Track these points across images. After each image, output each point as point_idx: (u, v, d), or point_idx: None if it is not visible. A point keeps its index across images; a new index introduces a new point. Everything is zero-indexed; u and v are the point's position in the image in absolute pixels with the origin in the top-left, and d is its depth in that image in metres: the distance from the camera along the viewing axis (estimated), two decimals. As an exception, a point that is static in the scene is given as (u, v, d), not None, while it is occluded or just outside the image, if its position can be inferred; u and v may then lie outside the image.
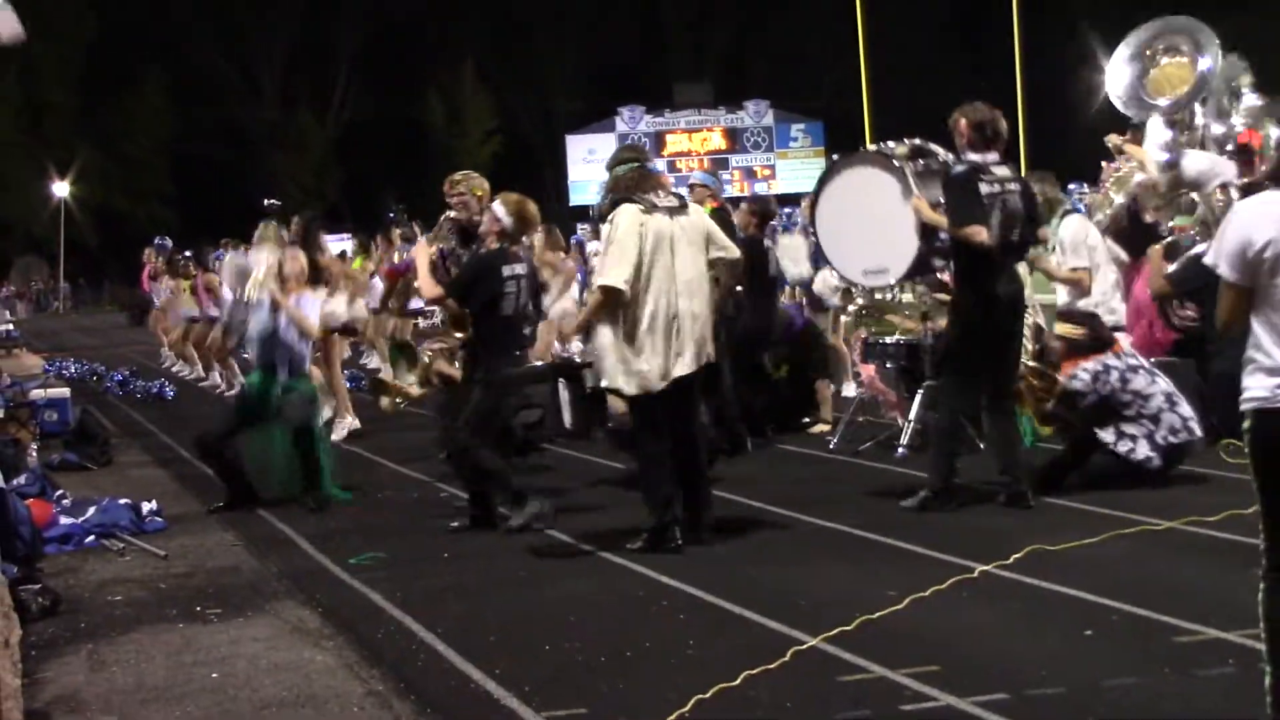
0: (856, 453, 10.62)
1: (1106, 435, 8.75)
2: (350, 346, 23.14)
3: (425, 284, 8.82)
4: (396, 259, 9.71)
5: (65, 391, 14.07)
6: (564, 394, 10.70)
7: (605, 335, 7.69)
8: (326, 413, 13.05)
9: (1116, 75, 10.93)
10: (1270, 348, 4.31)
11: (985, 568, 6.89)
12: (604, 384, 7.94)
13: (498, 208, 8.72)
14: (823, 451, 10.86)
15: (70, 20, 63.45)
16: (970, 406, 8.69)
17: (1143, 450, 8.71)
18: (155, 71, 65.44)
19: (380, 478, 10.99)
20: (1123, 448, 8.71)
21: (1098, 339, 9.11)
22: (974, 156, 8.26)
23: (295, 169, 65.62)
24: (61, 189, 62.50)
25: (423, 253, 9.11)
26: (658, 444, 7.79)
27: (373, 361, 20.75)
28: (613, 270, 7.59)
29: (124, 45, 62.82)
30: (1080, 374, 8.89)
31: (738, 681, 5.35)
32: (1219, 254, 4.44)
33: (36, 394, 13.19)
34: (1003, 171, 8.30)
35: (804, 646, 5.79)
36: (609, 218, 7.78)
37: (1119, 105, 10.73)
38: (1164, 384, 8.91)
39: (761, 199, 13.46)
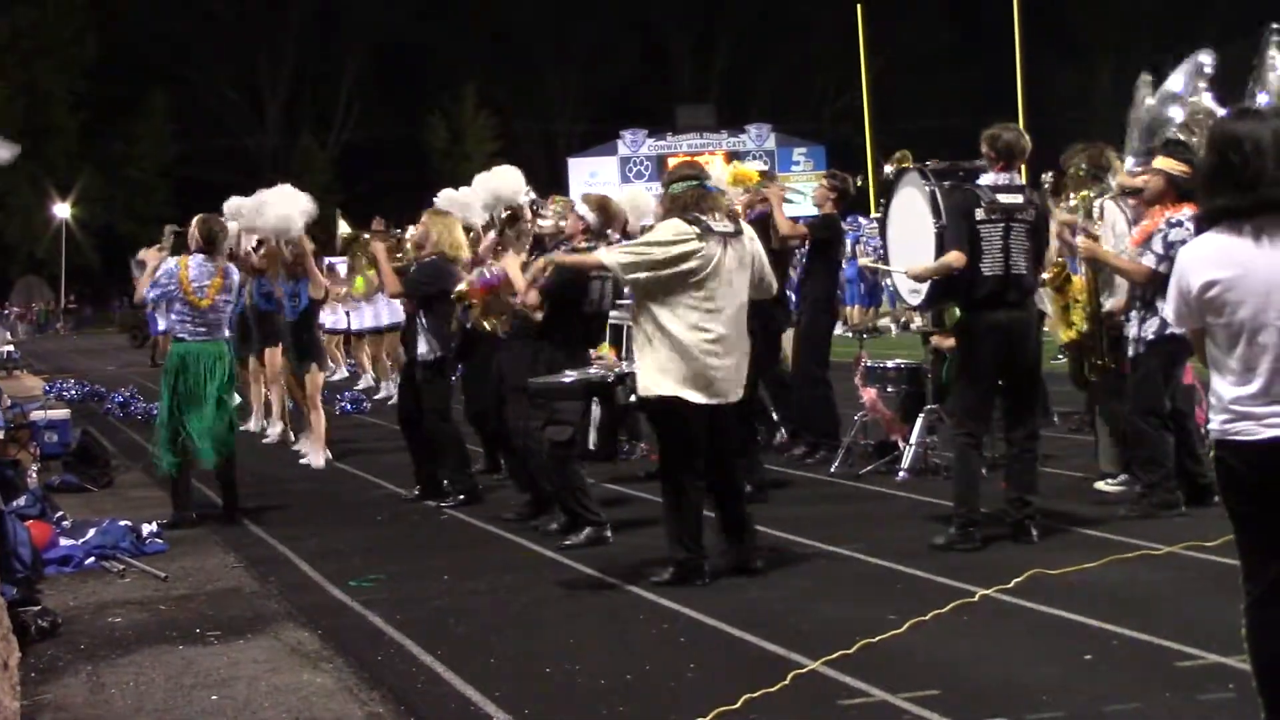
0: (858, 476, 10.61)
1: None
2: (347, 368, 23.18)
3: (526, 291, 8.80)
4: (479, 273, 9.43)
5: (65, 413, 14.05)
6: (594, 413, 10.59)
7: (643, 348, 7.40)
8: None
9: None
10: (1217, 385, 4.34)
11: (986, 592, 6.89)
12: (634, 396, 7.67)
13: (580, 207, 8.92)
14: (823, 475, 10.85)
15: (72, 43, 63.78)
16: (975, 430, 8.28)
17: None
18: (157, 95, 65.65)
19: (380, 499, 10.99)
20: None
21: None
22: (989, 179, 8.21)
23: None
24: (63, 210, 62.70)
25: (513, 262, 9.13)
26: (683, 472, 7.47)
27: (365, 382, 20.74)
28: (623, 258, 7.30)
29: (126, 69, 63.03)
30: (1183, 219, 8.09)
31: (738, 705, 5.34)
32: (1169, 310, 4.49)
33: (37, 415, 13.18)
34: (1013, 199, 8.09)
35: (804, 670, 5.78)
36: (653, 225, 7.69)
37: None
38: None
39: (840, 175, 12.49)
